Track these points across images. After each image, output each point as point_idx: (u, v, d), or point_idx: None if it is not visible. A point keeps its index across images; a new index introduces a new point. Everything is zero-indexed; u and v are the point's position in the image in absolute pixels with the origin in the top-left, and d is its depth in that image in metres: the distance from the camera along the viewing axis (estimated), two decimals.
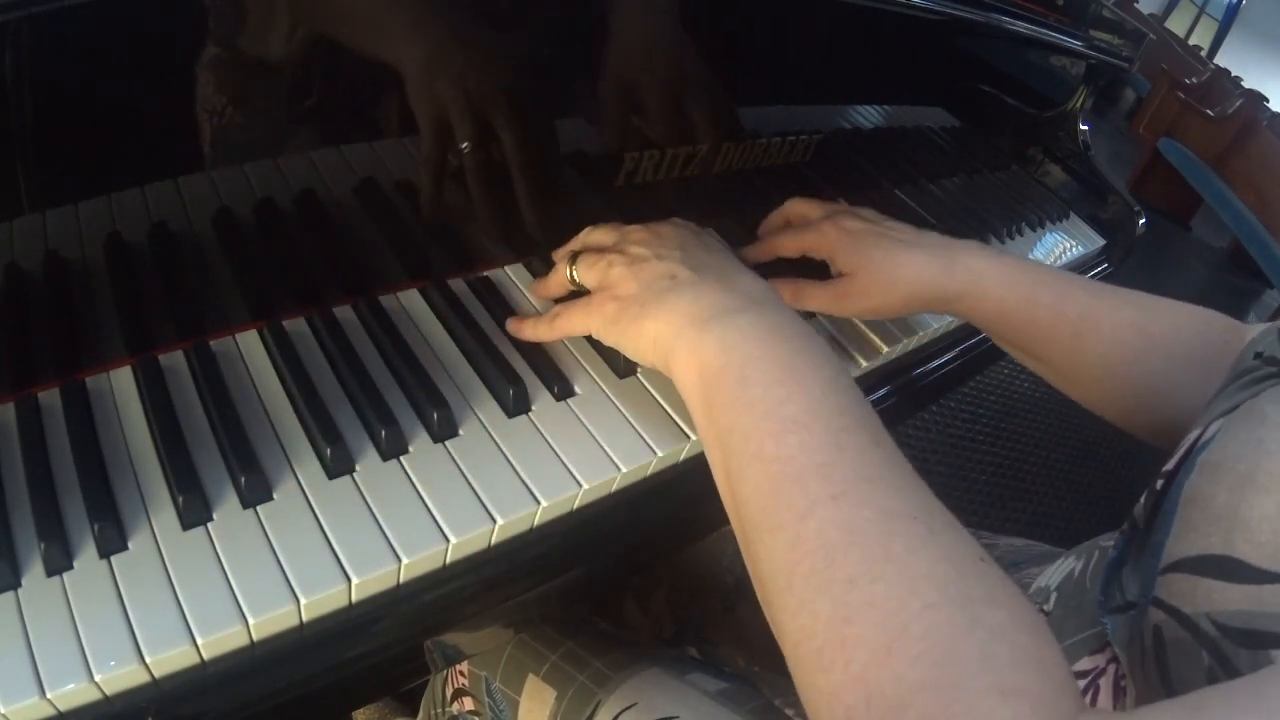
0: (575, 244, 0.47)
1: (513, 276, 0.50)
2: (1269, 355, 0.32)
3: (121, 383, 0.36)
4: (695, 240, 0.43)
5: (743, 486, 0.32)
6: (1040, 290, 0.48)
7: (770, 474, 0.31)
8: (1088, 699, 0.34)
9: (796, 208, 0.57)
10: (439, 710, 0.60)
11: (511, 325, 0.45)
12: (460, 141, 0.42)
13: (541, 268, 0.51)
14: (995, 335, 0.52)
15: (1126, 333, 0.47)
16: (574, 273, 0.44)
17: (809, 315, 0.56)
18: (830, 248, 0.52)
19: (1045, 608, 0.41)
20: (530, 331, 0.44)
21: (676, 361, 0.37)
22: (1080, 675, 0.35)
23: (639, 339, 0.39)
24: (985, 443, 1.65)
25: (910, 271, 0.49)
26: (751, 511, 0.32)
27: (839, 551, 0.28)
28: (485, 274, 0.49)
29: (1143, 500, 0.34)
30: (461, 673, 0.56)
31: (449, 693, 0.58)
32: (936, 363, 0.63)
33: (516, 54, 0.44)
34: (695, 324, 0.37)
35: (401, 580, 0.34)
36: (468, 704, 0.56)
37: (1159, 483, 0.32)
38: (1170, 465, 0.32)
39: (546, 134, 0.48)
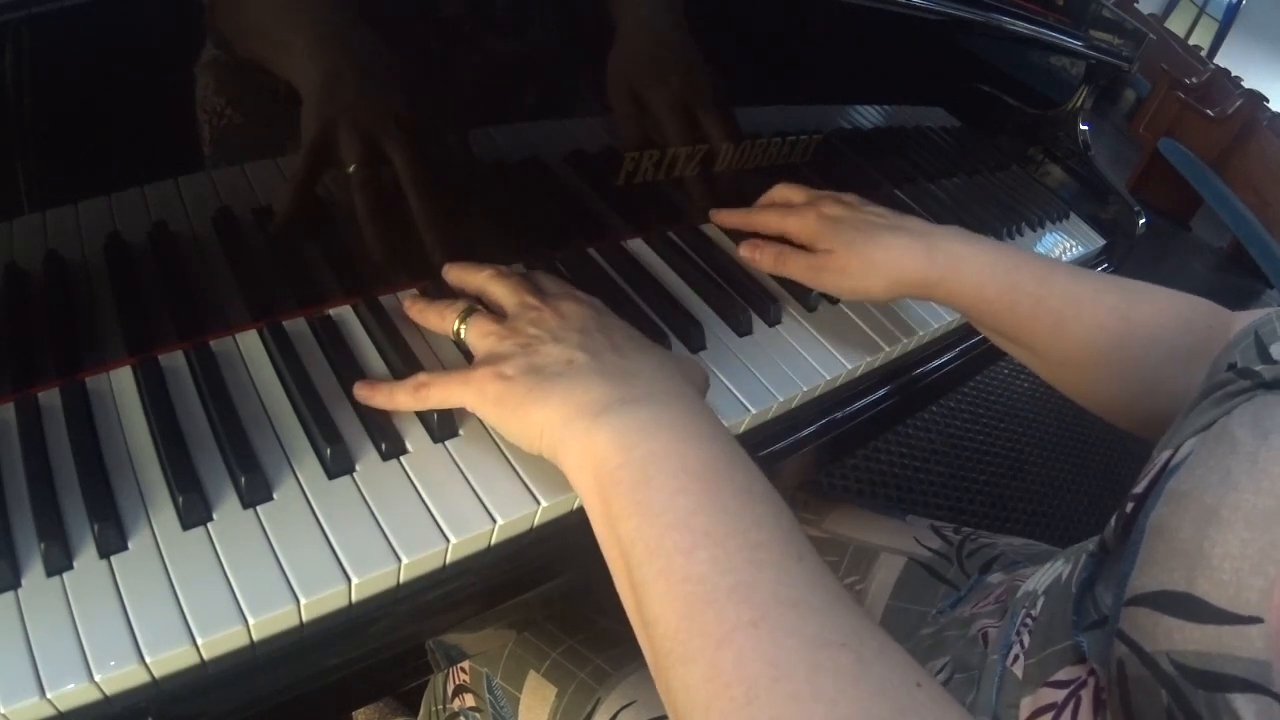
0: (471, 285, 0.43)
1: None
2: (1242, 367, 0.31)
3: (121, 383, 0.37)
4: (597, 322, 0.39)
5: (650, 606, 0.29)
6: (1021, 274, 0.48)
7: (680, 595, 0.28)
8: (1069, 709, 0.34)
9: (782, 191, 0.58)
10: (440, 707, 0.60)
11: (361, 391, 0.38)
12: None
13: (542, 269, 0.51)
14: (977, 321, 0.52)
15: (1108, 318, 0.47)
16: (462, 329, 0.40)
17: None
18: (810, 233, 0.52)
19: (1033, 613, 0.40)
20: (385, 399, 0.38)
21: (567, 455, 0.34)
22: (1062, 685, 0.34)
23: (524, 425, 0.35)
24: (985, 443, 1.65)
25: (891, 255, 0.49)
26: (661, 635, 0.28)
27: (761, 688, 0.25)
28: None
29: (1113, 522, 0.33)
30: (463, 669, 0.56)
31: (450, 689, 0.58)
32: (936, 363, 0.63)
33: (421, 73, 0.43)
34: (587, 415, 0.33)
35: (401, 580, 0.34)
36: (469, 700, 0.56)
37: (1128, 505, 0.31)
38: (1140, 488, 0.31)
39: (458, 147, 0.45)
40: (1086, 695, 0.33)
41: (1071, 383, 0.50)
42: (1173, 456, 0.30)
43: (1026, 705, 0.36)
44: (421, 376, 0.38)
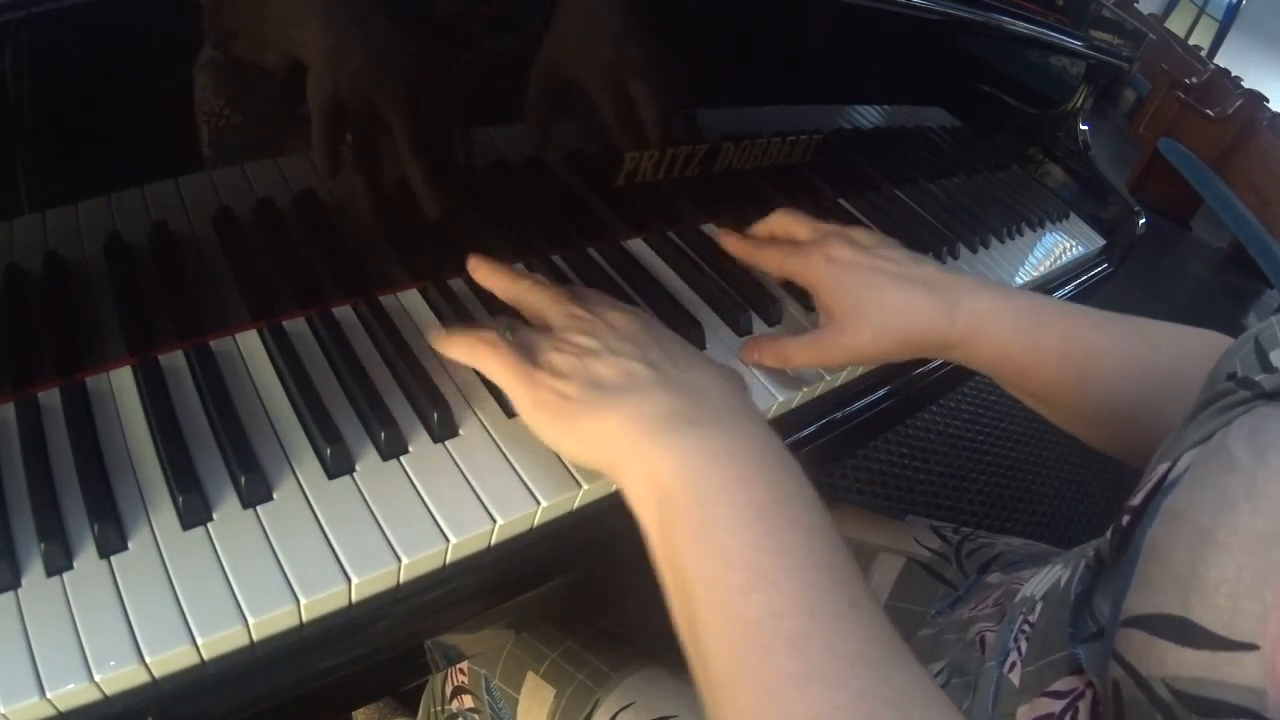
0: (509, 293, 0.42)
1: None
2: (1242, 376, 0.30)
3: (121, 383, 0.36)
4: (648, 333, 0.38)
5: (704, 640, 0.29)
6: (1044, 332, 0.45)
7: (734, 635, 0.28)
8: None
9: (783, 223, 0.53)
10: (439, 708, 0.60)
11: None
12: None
13: (543, 268, 0.51)
14: (995, 377, 0.49)
15: (1131, 368, 0.45)
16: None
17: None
18: (815, 280, 0.48)
19: (1030, 619, 0.39)
20: (446, 345, 0.38)
21: (627, 473, 0.33)
22: (1060, 696, 0.34)
23: (579, 437, 0.34)
24: (985, 443, 1.65)
25: (908, 316, 0.46)
26: (713, 672, 0.29)
27: None
28: None
29: (1109, 535, 0.32)
30: (461, 670, 0.56)
31: (449, 690, 0.58)
32: (937, 362, 0.63)
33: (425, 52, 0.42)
34: (651, 433, 0.32)
35: (401, 580, 0.34)
36: (467, 702, 0.56)
37: (1125, 518, 0.30)
38: (1137, 500, 0.30)
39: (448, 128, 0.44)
40: (1084, 707, 0.33)
41: (1092, 433, 0.49)
42: (1170, 470, 0.29)
43: (1023, 713, 0.36)
44: (487, 335, 0.37)
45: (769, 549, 0.30)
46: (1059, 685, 0.34)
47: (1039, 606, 0.40)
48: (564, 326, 0.38)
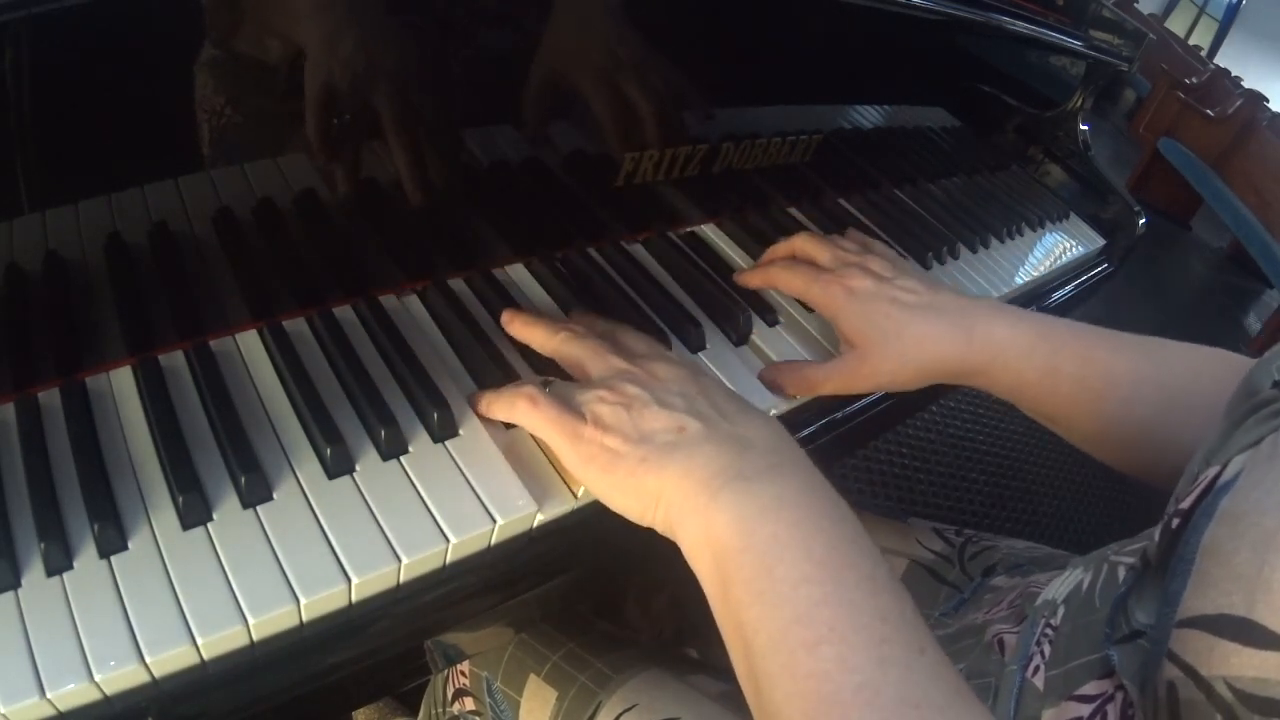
0: (547, 346, 0.41)
1: (512, 275, 0.50)
2: None
3: (121, 383, 0.37)
4: (695, 384, 0.38)
5: (772, 698, 0.30)
6: (1062, 358, 0.46)
7: (804, 692, 0.29)
8: None
9: (803, 246, 0.54)
10: (440, 710, 0.60)
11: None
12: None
13: (543, 268, 0.51)
14: (1013, 401, 0.50)
15: (1146, 389, 0.45)
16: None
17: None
18: (835, 311, 0.49)
19: (1053, 622, 0.39)
20: (487, 406, 0.39)
21: (684, 531, 0.34)
22: (1088, 700, 0.34)
23: (631, 493, 0.35)
24: (985, 443, 1.65)
25: (927, 347, 0.47)
26: None
27: None
28: (489, 272, 0.49)
29: (1156, 538, 0.32)
30: (462, 673, 0.56)
31: (450, 693, 0.58)
32: None
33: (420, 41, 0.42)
34: (706, 490, 0.33)
35: (401, 580, 0.34)
36: (469, 704, 0.56)
37: (1174, 521, 0.30)
38: (1187, 504, 0.30)
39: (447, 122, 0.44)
40: (1113, 710, 0.33)
41: (1109, 453, 0.49)
42: (1221, 473, 0.29)
43: (1049, 717, 0.35)
44: (526, 389, 0.37)
45: (833, 601, 0.30)
46: (1087, 689, 0.34)
47: (1061, 610, 0.40)
48: (606, 374, 0.38)
